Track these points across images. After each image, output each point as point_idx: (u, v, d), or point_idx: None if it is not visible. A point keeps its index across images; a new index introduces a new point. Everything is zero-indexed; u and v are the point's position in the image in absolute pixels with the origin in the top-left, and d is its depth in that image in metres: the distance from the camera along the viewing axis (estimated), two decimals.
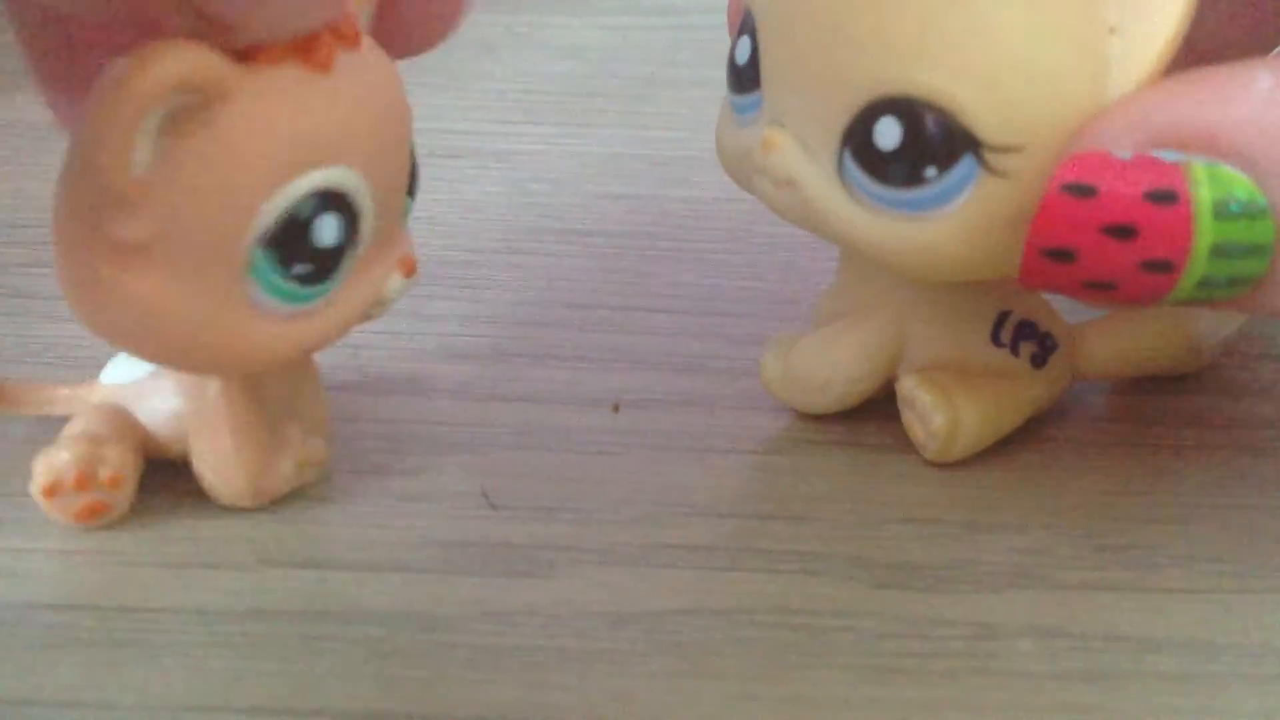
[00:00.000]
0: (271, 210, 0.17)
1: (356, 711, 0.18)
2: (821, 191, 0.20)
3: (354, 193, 0.18)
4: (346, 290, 0.19)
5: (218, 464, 0.20)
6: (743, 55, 0.21)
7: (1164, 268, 0.17)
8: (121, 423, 0.21)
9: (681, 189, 0.32)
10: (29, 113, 0.34)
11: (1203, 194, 0.17)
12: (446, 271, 0.28)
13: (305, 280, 0.18)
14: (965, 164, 0.18)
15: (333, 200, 0.18)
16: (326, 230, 0.18)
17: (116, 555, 0.20)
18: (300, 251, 0.18)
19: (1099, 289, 0.18)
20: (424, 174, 0.21)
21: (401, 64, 0.19)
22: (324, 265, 0.18)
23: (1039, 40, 0.18)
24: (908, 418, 0.22)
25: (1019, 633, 0.19)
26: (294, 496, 0.21)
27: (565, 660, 0.18)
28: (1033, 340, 0.22)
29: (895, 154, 0.19)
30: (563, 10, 0.43)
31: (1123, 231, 0.17)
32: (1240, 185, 0.17)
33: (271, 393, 0.20)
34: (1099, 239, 0.17)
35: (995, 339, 0.22)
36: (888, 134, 0.19)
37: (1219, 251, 0.17)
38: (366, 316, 0.20)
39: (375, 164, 0.18)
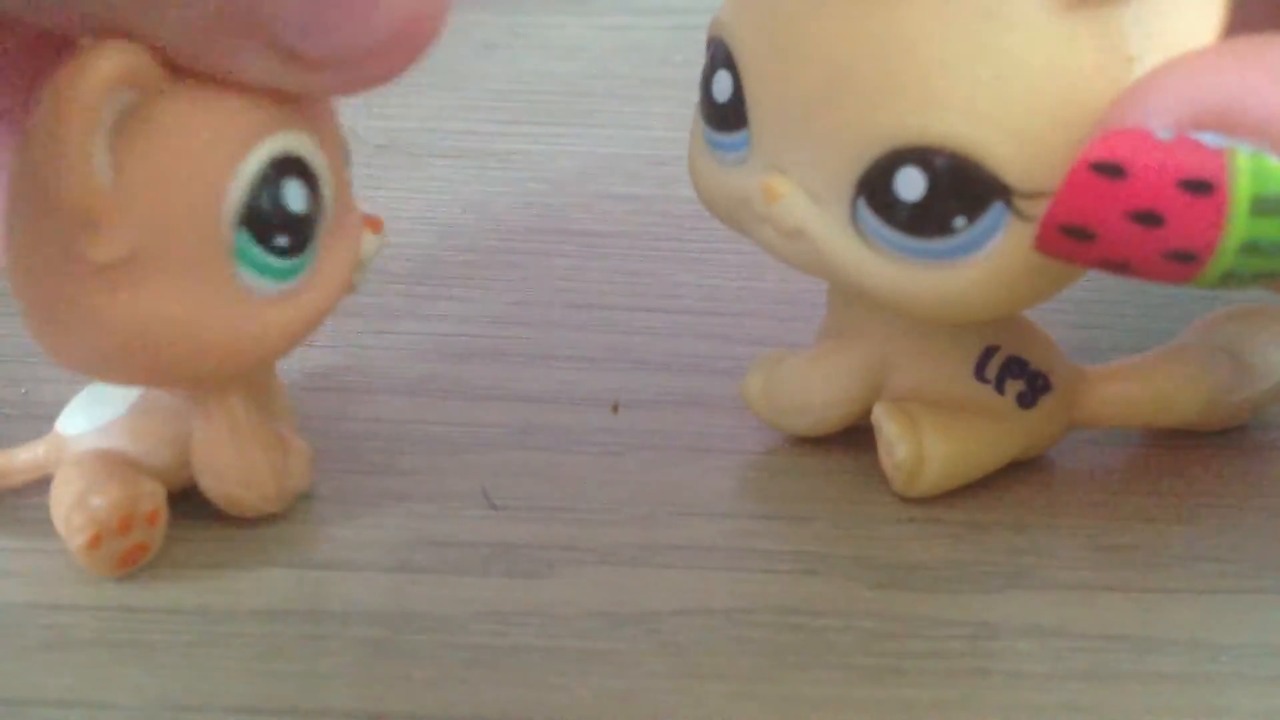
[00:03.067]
0: (238, 187, 0.17)
1: (357, 711, 0.18)
2: (834, 242, 0.19)
3: (309, 155, 0.18)
4: (327, 261, 0.19)
5: (246, 476, 0.20)
6: (723, 92, 0.20)
7: (1187, 259, 0.16)
8: (125, 461, 0.20)
9: (681, 189, 0.32)
10: None
11: (1242, 186, 0.15)
12: (446, 271, 0.28)
13: (286, 252, 0.18)
14: (994, 211, 0.18)
15: (292, 165, 0.18)
16: (293, 196, 0.18)
17: None
18: (274, 223, 0.18)
19: (1114, 268, 0.17)
20: (424, 174, 0.21)
21: None
22: (300, 234, 0.18)
23: (1064, 80, 0.17)
24: (879, 447, 0.22)
25: (1019, 633, 0.19)
26: (294, 496, 0.21)
27: (565, 660, 0.18)
28: (1021, 379, 0.21)
29: (920, 205, 0.18)
30: (563, 10, 0.43)
31: (1149, 219, 0.16)
32: None
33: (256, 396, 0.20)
34: (1122, 223, 0.16)
35: (979, 374, 0.21)
36: (910, 185, 0.18)
37: (1250, 249, 0.16)
38: (351, 286, 0.20)
39: (317, 127, 0.18)
